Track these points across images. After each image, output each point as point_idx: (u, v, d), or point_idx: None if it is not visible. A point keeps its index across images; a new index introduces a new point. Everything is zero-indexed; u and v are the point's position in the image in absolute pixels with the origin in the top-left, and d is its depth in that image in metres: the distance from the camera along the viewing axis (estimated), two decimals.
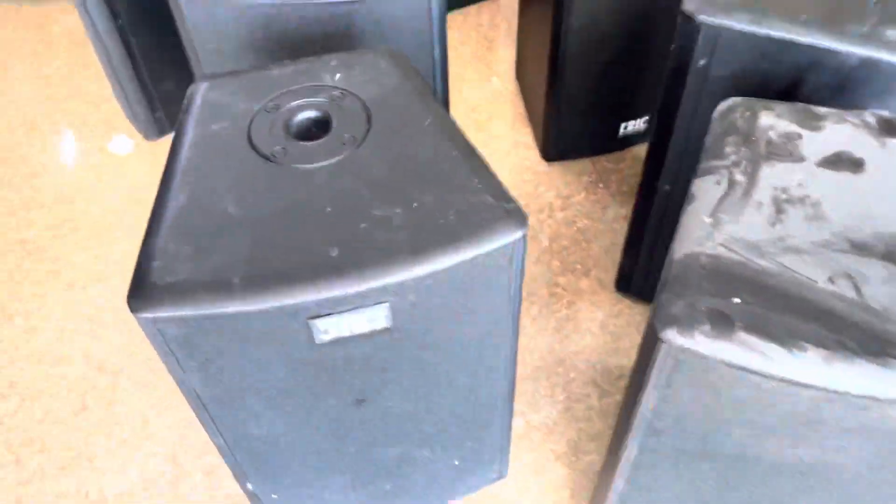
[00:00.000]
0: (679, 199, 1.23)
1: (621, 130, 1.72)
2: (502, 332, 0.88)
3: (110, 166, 1.80)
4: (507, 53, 2.09)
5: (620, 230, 1.62)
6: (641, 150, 1.78)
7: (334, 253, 0.73)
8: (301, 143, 0.84)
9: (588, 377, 1.38)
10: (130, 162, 1.81)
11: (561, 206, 1.67)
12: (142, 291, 0.70)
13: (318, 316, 0.73)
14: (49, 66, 2.09)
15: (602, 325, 1.46)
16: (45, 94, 2.00)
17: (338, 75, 0.92)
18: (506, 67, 2.05)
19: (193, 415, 0.85)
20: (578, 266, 1.56)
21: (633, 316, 1.47)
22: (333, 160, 0.82)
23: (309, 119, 0.89)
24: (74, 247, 1.63)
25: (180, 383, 0.81)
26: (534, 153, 1.79)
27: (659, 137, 1.23)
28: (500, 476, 1.19)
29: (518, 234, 0.75)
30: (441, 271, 0.73)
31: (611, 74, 1.58)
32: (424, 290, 0.75)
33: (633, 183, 1.72)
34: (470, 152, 0.82)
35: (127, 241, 1.63)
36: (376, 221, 0.75)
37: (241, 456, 0.94)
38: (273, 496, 1.04)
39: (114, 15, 1.57)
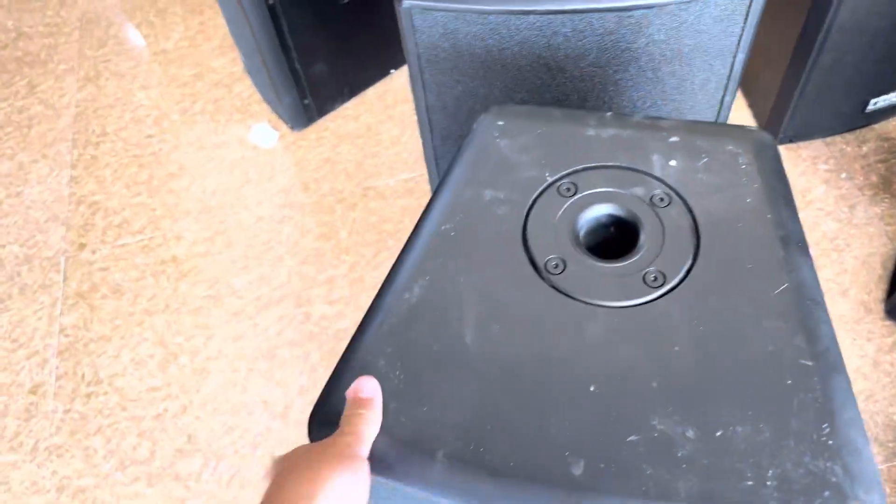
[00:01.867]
0: None
1: (869, 105, 1.41)
2: None
3: (255, 162, 1.58)
4: None
5: (877, 235, 1.33)
6: (887, 127, 1.47)
7: (577, 470, 0.48)
8: (588, 258, 0.59)
9: (867, 432, 1.14)
10: (277, 156, 1.58)
11: (798, 204, 1.38)
12: (330, 426, 0.52)
13: None
14: (167, 40, 1.85)
15: (875, 364, 1.20)
16: (167, 75, 1.77)
17: (673, 162, 0.66)
18: None
19: None
20: (833, 284, 1.29)
21: None
22: (625, 303, 0.56)
23: (609, 220, 0.64)
24: (232, 266, 1.43)
25: None
26: None
27: None
28: None
29: None
30: None
31: (880, 40, 1.25)
32: None
33: (883, 171, 1.41)
34: (832, 368, 0.52)
35: (291, 258, 1.43)
36: (653, 440, 0.49)
37: None
38: None
39: None
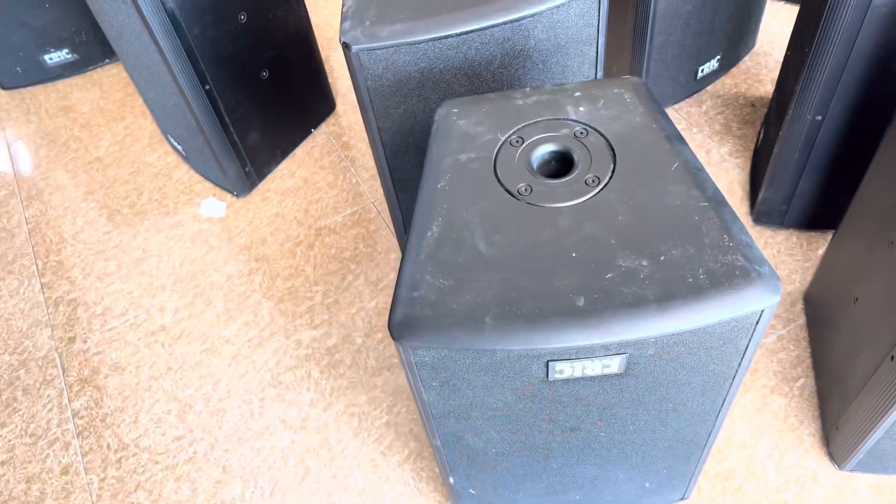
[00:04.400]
0: (836, 129, 1.31)
1: (699, 73, 1.78)
2: (725, 386, 0.88)
3: (212, 231, 1.76)
4: None
5: (731, 168, 1.69)
6: (716, 88, 1.85)
7: (580, 303, 0.74)
8: (545, 180, 0.86)
9: None
10: (231, 222, 1.78)
11: None
12: (405, 322, 0.75)
13: (558, 359, 0.77)
14: (97, 149, 2.01)
15: None
16: (107, 178, 1.94)
17: (581, 108, 0.94)
18: None
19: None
20: None
21: (780, 244, 1.55)
22: (578, 201, 0.82)
23: (552, 155, 0.91)
24: (217, 321, 1.60)
25: (417, 396, 0.87)
26: None
27: (796, 66, 1.30)
28: (683, 498, 1.22)
29: (770, 302, 0.72)
30: (685, 332, 0.74)
31: (693, 20, 1.63)
32: (664, 345, 0.76)
33: (722, 121, 1.79)
34: (719, 203, 0.81)
35: (268, 301, 1.62)
36: (622, 273, 0.74)
37: (452, 457, 1.01)
38: (471, 491, 1.12)
39: (201, 81, 1.53)
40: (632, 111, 0.93)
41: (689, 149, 0.89)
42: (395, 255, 1.66)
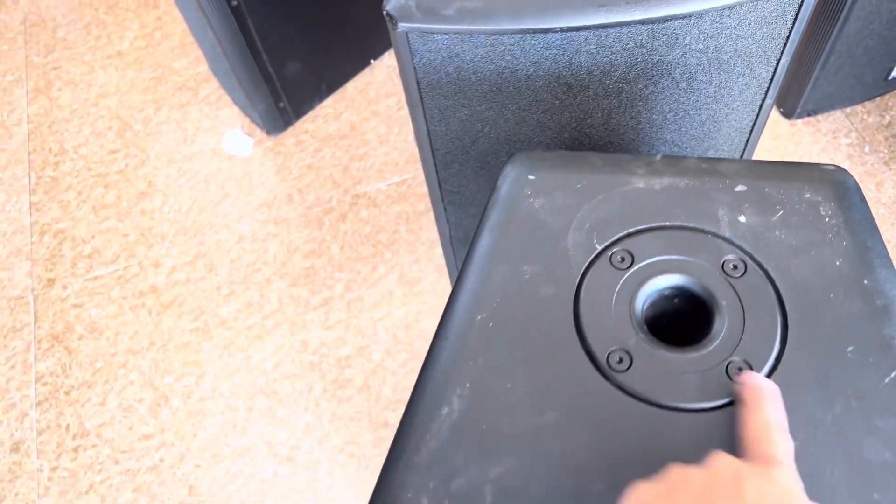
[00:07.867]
0: None
1: (894, 72, 1.30)
2: None
3: (231, 174, 1.45)
4: None
5: None
6: None
7: None
8: (657, 347, 0.49)
9: None
10: (254, 166, 1.45)
11: None
12: None
13: None
14: (122, 40, 1.68)
15: None
16: (126, 80, 1.62)
17: (742, 217, 0.55)
18: None
19: None
20: None
21: None
22: (705, 405, 0.46)
23: (672, 292, 0.54)
24: (217, 293, 1.32)
25: None
26: None
27: None
28: None
29: None
30: None
31: None
32: None
33: None
34: None
35: (280, 281, 1.32)
36: None
37: None
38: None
39: None
40: (830, 242, 0.54)
41: None
42: (442, 254, 1.33)
